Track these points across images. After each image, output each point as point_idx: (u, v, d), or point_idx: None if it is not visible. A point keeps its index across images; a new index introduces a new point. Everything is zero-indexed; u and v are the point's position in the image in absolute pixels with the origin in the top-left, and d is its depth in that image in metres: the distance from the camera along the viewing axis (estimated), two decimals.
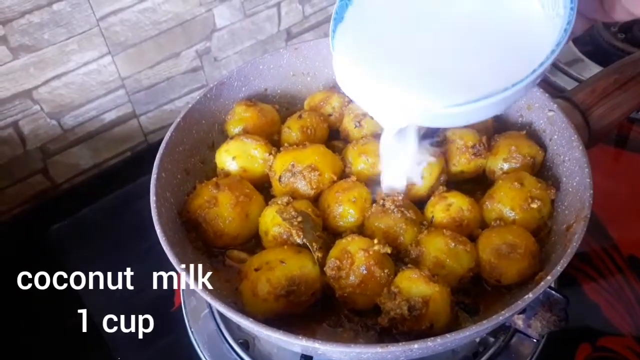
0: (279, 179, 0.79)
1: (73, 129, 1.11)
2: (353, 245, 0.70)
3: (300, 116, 0.87)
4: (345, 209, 0.76)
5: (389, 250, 0.70)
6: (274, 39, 1.27)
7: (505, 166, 0.80)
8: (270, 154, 0.82)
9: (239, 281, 0.71)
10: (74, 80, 1.06)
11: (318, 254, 0.71)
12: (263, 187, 0.83)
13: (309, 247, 0.71)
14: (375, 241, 0.70)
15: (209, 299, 0.63)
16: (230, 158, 0.82)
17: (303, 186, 0.78)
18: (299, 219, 0.72)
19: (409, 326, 0.65)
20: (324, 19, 1.33)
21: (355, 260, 0.68)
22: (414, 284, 0.66)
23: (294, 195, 0.79)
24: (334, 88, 0.93)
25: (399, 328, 0.65)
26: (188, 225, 0.77)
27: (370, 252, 0.69)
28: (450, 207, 0.75)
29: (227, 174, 0.82)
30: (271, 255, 0.71)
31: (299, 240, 0.71)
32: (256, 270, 0.69)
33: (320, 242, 0.73)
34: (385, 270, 0.69)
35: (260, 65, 0.92)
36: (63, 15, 0.98)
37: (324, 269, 0.70)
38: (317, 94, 0.93)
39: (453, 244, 0.70)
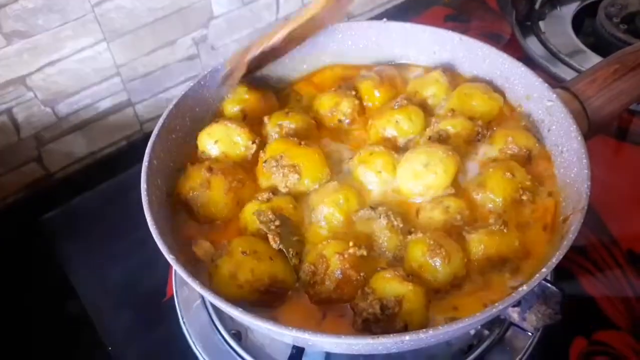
0: (264, 162, 0.78)
1: (67, 116, 1.10)
2: (328, 248, 0.68)
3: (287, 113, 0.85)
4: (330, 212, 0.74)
5: (364, 253, 0.68)
6: (272, 27, 1.26)
7: (499, 156, 0.79)
8: (254, 142, 0.81)
9: (217, 255, 0.69)
10: (68, 67, 1.05)
11: (294, 261, 0.69)
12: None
13: (286, 253, 0.69)
14: (351, 244, 0.68)
15: (199, 289, 0.62)
16: (212, 141, 0.81)
17: (279, 181, 0.77)
18: (277, 222, 0.70)
19: (383, 327, 0.63)
20: None
21: (330, 264, 0.67)
22: (387, 284, 0.64)
23: (271, 186, 0.77)
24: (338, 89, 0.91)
25: (372, 329, 0.64)
26: (178, 206, 0.75)
27: (346, 256, 0.67)
28: (448, 209, 0.73)
29: (207, 158, 0.81)
30: (262, 247, 0.70)
31: (275, 246, 0.69)
32: (243, 253, 0.68)
33: (298, 248, 0.71)
34: (362, 274, 0.67)
35: None
36: (57, 0, 0.97)
37: (299, 274, 0.69)
38: (325, 99, 0.89)
39: (430, 256, 0.67)
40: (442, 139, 0.80)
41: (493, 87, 0.88)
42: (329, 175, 0.79)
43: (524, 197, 0.74)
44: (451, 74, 0.91)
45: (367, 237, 0.72)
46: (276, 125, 0.83)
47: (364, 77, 0.92)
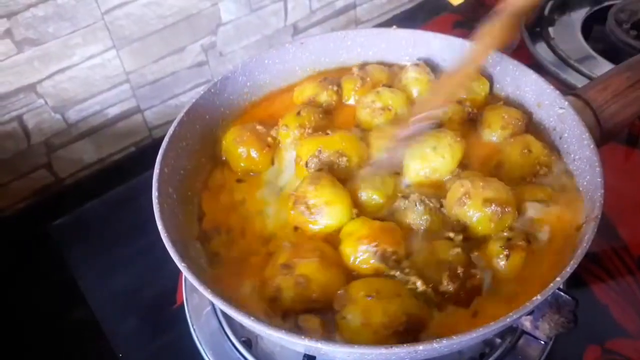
0: (306, 164, 0.78)
1: (77, 123, 1.11)
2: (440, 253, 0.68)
3: (298, 113, 0.85)
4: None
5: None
6: (280, 33, 1.26)
7: (504, 134, 0.82)
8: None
9: (340, 306, 0.65)
10: (78, 75, 1.05)
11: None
12: None
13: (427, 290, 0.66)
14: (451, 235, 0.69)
15: (210, 296, 0.62)
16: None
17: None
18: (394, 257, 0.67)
19: None
20: (331, 13, 1.31)
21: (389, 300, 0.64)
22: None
23: None
24: (323, 81, 0.91)
25: None
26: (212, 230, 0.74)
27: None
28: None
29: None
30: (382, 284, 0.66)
31: (421, 288, 0.65)
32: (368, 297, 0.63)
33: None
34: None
35: (266, 60, 0.91)
36: (67, 8, 0.97)
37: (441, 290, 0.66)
38: (306, 87, 0.91)
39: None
40: (437, 126, 0.82)
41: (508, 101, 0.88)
42: (368, 151, 0.81)
43: (542, 172, 0.76)
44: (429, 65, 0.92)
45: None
46: (296, 128, 0.84)
47: (349, 76, 0.92)
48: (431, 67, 0.93)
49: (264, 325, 0.60)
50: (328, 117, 0.88)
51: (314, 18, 1.29)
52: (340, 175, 0.77)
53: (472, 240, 0.71)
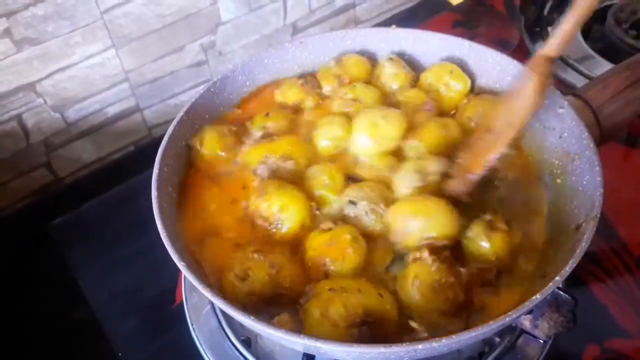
0: (255, 172, 0.78)
1: (76, 122, 1.11)
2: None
3: (267, 115, 0.86)
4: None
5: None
6: (279, 33, 1.26)
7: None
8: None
9: (304, 300, 0.66)
10: (77, 74, 1.05)
11: None
12: None
13: None
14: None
15: (209, 295, 0.62)
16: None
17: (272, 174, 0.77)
18: None
19: None
20: (330, 12, 1.31)
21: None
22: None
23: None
24: (305, 84, 0.91)
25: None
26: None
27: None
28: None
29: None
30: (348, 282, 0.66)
31: None
32: (331, 290, 0.64)
33: None
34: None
35: (265, 59, 0.91)
36: (67, 7, 0.97)
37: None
38: (289, 91, 0.90)
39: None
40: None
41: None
42: (315, 152, 0.81)
43: None
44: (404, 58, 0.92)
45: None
46: (260, 128, 0.84)
47: (326, 73, 0.92)
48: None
49: (264, 324, 0.59)
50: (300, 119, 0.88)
51: (313, 17, 1.29)
52: (289, 179, 0.77)
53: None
